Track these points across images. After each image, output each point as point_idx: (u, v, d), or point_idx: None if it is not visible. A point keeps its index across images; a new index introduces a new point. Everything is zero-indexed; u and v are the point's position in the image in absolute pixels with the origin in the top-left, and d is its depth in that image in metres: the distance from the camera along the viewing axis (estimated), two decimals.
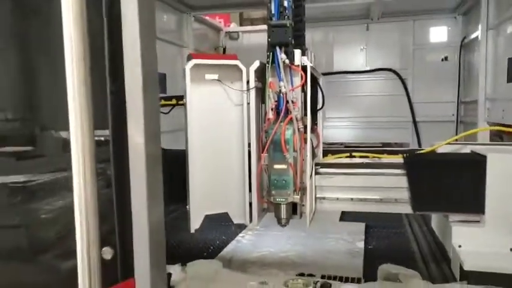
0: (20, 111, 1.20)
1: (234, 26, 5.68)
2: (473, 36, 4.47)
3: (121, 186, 1.10)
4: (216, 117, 2.17)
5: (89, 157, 0.99)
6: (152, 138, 1.11)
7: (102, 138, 1.09)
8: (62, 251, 1.10)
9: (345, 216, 3.47)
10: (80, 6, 0.95)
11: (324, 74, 5.14)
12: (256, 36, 5.32)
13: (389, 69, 5.16)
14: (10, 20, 1.16)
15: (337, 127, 5.48)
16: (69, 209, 0.99)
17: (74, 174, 0.98)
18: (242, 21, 6.96)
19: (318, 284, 1.81)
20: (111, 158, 1.10)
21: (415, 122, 5.11)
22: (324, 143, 4.73)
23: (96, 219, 1.01)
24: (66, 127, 0.97)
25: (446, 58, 4.95)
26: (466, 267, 1.99)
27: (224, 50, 5.36)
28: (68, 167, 1.09)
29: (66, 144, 1.03)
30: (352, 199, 2.44)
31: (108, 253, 1.07)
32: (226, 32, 5.42)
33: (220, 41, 5.40)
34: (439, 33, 5.06)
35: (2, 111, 1.17)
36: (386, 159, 2.55)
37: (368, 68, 5.24)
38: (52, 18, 1.00)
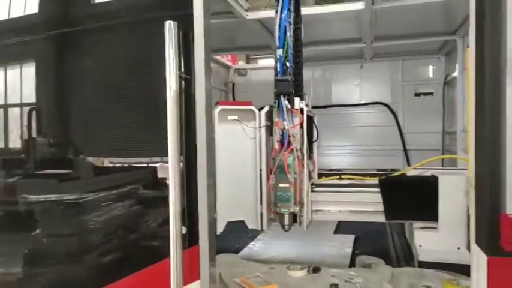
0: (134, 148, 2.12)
1: (242, 64, 6.69)
2: (453, 75, 5.42)
3: (192, 192, 1.98)
4: (236, 147, 3.07)
5: (178, 174, 1.88)
6: (210, 162, 2.02)
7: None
8: (163, 229, 1.97)
9: (339, 230, 4.36)
10: (176, 84, 1.85)
11: (324, 107, 6.16)
12: (262, 73, 6.31)
13: (382, 103, 6.11)
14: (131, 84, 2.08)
15: (337, 155, 6.38)
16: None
17: (170, 183, 1.86)
18: (249, 56, 7.96)
19: (311, 268, 2.67)
20: (184, 174, 1.99)
21: (405, 150, 6.02)
22: (324, 169, 5.63)
23: (180, 211, 1.89)
24: (166, 154, 1.86)
25: (431, 93, 5.91)
26: (420, 259, 2.86)
27: (233, 85, 6.33)
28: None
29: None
30: (339, 211, 3.31)
31: (184, 229, 1.95)
32: (235, 69, 6.41)
33: (229, 77, 6.39)
34: (425, 71, 6.03)
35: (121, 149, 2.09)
36: (367, 180, 3.44)
37: (363, 102, 6.20)
38: (157, 93, 1.92)
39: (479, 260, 1.79)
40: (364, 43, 5.26)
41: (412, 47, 5.60)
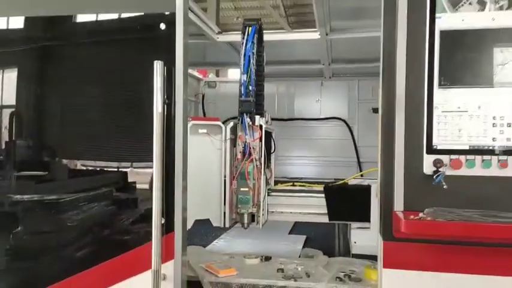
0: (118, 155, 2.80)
1: (212, 76, 7.40)
2: None
3: (169, 191, 2.67)
4: (205, 156, 3.76)
5: (160, 177, 2.56)
6: (185, 168, 2.72)
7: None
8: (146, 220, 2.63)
9: (293, 231, 5.12)
10: (161, 108, 2.55)
11: (287, 120, 6.94)
12: (231, 86, 7.03)
13: (339, 118, 6.95)
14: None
15: (299, 164, 7.15)
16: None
17: (154, 185, 2.54)
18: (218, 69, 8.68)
19: (264, 257, 3.40)
20: (164, 177, 2.68)
21: (359, 162, 6.87)
22: (286, 177, 6.38)
23: (160, 206, 2.58)
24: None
25: (376, 110, 6.78)
26: (352, 252, 3.64)
27: (203, 96, 7.03)
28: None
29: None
30: (291, 212, 4.07)
31: (162, 220, 2.63)
32: (205, 82, 7.11)
33: (200, 88, 7.08)
34: (379, 90, 6.91)
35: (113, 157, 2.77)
36: (315, 187, 4.21)
37: (322, 116, 7.02)
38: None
39: (380, 245, 2.56)
40: (323, 64, 6.10)
41: (366, 69, 6.46)
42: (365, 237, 3.82)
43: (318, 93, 7.03)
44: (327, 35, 4.83)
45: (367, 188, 3.85)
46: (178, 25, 2.63)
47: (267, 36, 4.43)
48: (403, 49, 2.37)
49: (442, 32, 2.28)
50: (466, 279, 2.32)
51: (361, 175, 5.39)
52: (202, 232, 4.61)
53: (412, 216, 2.24)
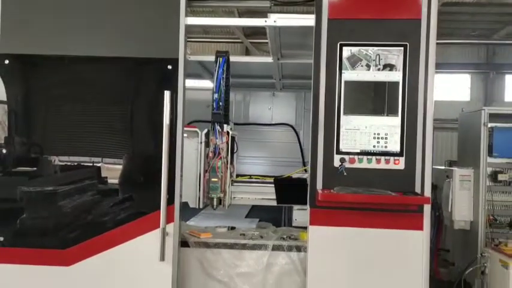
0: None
1: None
2: None
3: (171, 178, 4.35)
4: (185, 154, 5.45)
5: (166, 170, 4.25)
6: (181, 163, 4.43)
7: None
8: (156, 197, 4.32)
9: (249, 215, 6.93)
10: (168, 121, 4.24)
11: (243, 124, 8.76)
12: (199, 93, 8.72)
13: (288, 124, 8.85)
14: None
15: (254, 164, 9.00)
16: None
17: (162, 175, 4.23)
18: None
19: (230, 227, 5.17)
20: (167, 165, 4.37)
21: (304, 162, 8.80)
22: (243, 174, 8.17)
23: (166, 187, 4.27)
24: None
25: None
26: (293, 225, 5.49)
27: None
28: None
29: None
30: (249, 198, 5.86)
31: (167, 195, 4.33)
32: None
33: None
34: None
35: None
36: (267, 179, 6.02)
37: (273, 122, 8.90)
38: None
39: (308, 211, 4.40)
40: (275, 79, 7.97)
41: (311, 84, 8.39)
42: (303, 215, 5.68)
43: (270, 102, 8.91)
44: (278, 59, 6.68)
45: (305, 179, 5.71)
46: (180, 67, 4.35)
47: (232, 59, 6.19)
48: (323, 90, 4.24)
49: (345, 82, 4.17)
50: (361, 231, 4.20)
51: (305, 170, 7.32)
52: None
53: (326, 191, 4.10)
